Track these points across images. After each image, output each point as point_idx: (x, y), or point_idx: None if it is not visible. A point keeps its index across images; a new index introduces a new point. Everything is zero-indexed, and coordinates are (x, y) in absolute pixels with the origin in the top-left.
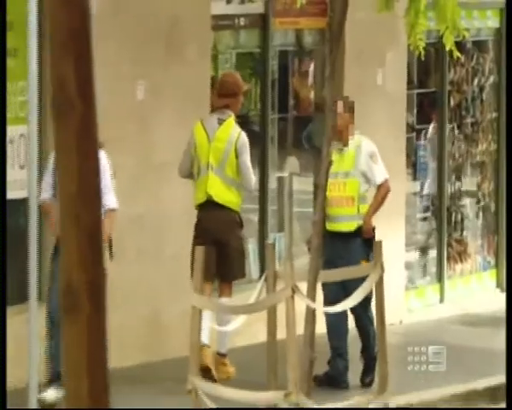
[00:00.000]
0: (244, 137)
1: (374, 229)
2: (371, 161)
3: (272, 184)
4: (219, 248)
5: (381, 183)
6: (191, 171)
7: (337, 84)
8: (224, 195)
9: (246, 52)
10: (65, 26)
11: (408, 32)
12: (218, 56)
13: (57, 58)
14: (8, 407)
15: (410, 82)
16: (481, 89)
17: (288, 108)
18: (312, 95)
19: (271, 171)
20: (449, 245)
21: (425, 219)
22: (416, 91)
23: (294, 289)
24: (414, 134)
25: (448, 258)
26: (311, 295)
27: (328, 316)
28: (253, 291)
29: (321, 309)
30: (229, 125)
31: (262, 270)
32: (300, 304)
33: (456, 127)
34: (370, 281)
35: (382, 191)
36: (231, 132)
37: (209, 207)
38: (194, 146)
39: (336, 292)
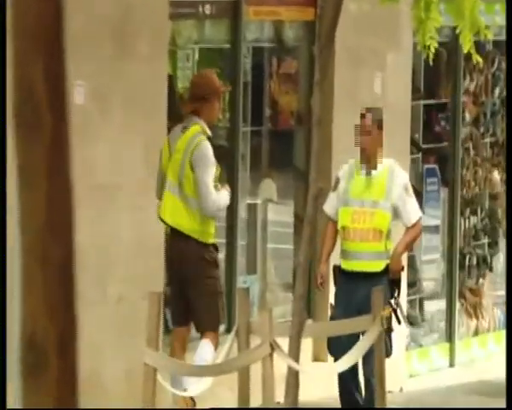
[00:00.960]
0: (204, 146)
1: (403, 269)
2: (406, 194)
3: (242, 213)
4: (185, 291)
5: (416, 222)
6: None
7: (327, 92)
8: (184, 220)
9: (212, 48)
10: (33, 17)
11: (415, 29)
12: (177, 52)
13: (23, 58)
14: None
15: (415, 91)
16: (503, 101)
17: (263, 120)
18: (294, 104)
19: (241, 197)
20: (462, 296)
21: (432, 261)
22: (422, 102)
23: (273, 346)
24: (420, 155)
25: (460, 312)
26: (294, 353)
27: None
28: (220, 348)
29: (305, 370)
30: (190, 132)
31: (229, 321)
32: (280, 365)
33: (471, 148)
34: (367, 339)
35: (416, 229)
36: (190, 141)
37: (172, 237)
38: (161, 162)
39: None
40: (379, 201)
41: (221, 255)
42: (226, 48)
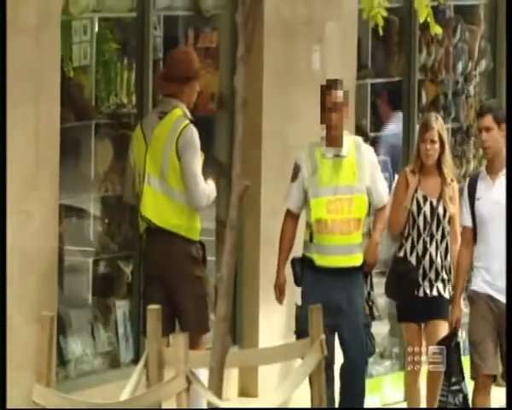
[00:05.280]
0: (190, 131)
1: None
2: (376, 172)
3: None
4: (168, 296)
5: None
6: (137, 193)
7: (254, 70)
8: (169, 216)
9: (114, 17)
10: None
11: None
12: (72, 23)
13: None
14: None
15: (361, 67)
16: (467, 78)
17: None
18: (215, 84)
19: None
20: None
21: (383, 272)
22: (370, 81)
23: (190, 379)
24: (367, 143)
25: None
26: (216, 387)
27: None
28: (125, 381)
29: (230, 408)
30: (171, 118)
31: (137, 348)
32: None
33: None
34: (304, 368)
35: (386, 210)
36: (173, 127)
37: (151, 237)
38: (133, 156)
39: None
40: (353, 185)
41: (127, 268)
42: (131, 17)
